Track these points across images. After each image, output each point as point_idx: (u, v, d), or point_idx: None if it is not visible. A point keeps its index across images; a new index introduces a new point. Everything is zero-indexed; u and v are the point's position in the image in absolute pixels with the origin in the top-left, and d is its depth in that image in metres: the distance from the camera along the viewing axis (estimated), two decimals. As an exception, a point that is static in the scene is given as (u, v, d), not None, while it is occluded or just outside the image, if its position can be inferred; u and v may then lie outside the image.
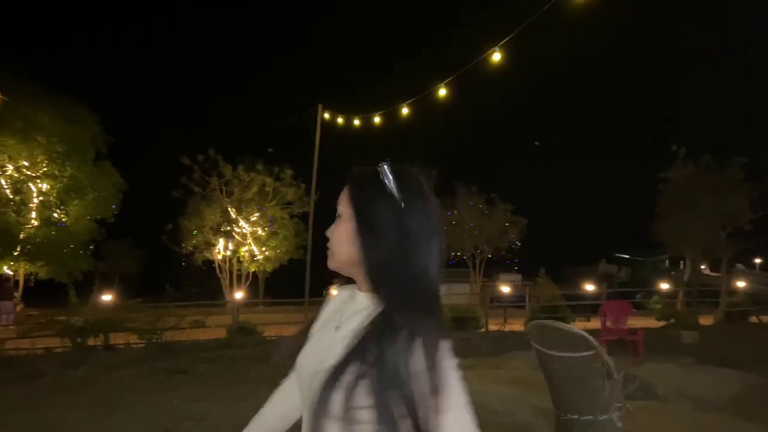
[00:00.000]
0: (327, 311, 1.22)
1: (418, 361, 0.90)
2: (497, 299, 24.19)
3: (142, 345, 12.25)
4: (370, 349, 0.92)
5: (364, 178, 1.08)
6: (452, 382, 0.91)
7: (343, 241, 1.08)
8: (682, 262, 44.52)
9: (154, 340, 12.24)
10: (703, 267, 32.90)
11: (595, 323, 16.44)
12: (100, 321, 12.13)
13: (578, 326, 15.21)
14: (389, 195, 1.02)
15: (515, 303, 24.89)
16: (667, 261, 43.82)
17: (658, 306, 23.96)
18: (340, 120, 12.32)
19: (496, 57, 9.65)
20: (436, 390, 0.89)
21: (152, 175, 31.22)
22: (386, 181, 1.03)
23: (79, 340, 11.89)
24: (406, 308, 0.95)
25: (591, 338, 4.13)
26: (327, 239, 1.12)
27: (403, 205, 1.02)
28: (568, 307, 16.37)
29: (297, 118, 14.52)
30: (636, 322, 16.92)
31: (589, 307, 18.26)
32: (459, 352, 0.92)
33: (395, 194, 1.02)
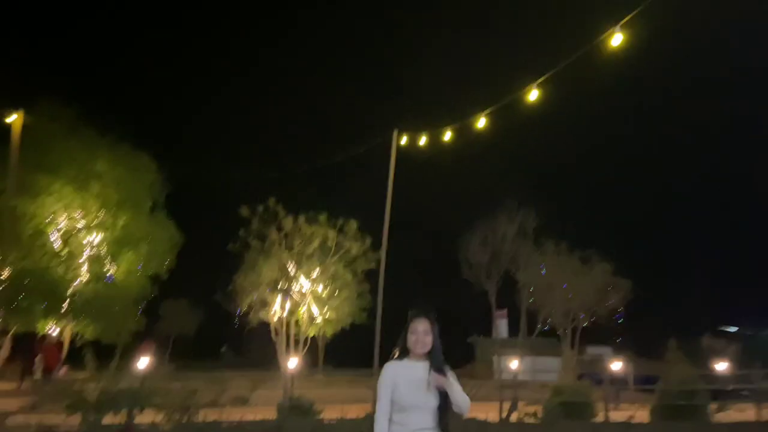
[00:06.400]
0: (394, 373, 3.21)
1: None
2: (591, 376, 20.38)
3: (169, 427, 9.68)
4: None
5: (434, 314, 3.28)
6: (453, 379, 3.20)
7: (429, 342, 3.23)
8: (797, 336, 38.71)
9: (184, 421, 9.64)
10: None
11: (741, 414, 12.75)
12: (120, 394, 9.68)
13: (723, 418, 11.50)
14: (435, 322, 3.28)
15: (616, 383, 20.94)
16: (782, 335, 38.18)
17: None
18: (423, 140, 9.94)
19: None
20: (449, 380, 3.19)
21: (209, 229, 29.64)
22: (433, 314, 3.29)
23: (92, 418, 9.45)
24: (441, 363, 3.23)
25: None
26: (422, 336, 3.24)
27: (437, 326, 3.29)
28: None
29: (366, 149, 12.22)
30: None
31: (731, 393, 14.42)
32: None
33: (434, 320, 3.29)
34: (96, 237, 21.47)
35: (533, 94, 8.02)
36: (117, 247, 21.86)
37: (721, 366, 16.62)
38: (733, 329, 38.08)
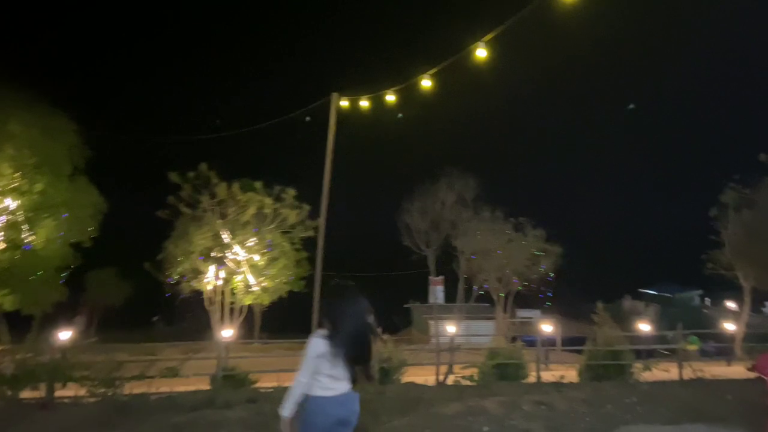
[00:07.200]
0: None
1: None
2: (523, 338, 21.13)
3: (93, 401, 9.20)
4: None
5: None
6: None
7: None
8: (707, 299, 41.52)
9: (110, 394, 9.19)
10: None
11: (665, 373, 13.44)
12: (39, 367, 9.11)
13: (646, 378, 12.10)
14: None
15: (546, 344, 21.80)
16: (696, 297, 40.87)
17: (695, 347, 20.91)
18: (364, 103, 9.63)
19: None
20: None
21: (136, 195, 28.29)
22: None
23: (9, 393, 8.86)
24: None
25: None
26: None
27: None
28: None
29: (303, 112, 11.78)
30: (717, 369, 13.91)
31: (652, 353, 15.22)
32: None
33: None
34: (11, 202, 20.04)
35: (480, 52, 7.81)
36: (35, 213, 20.49)
37: (644, 327, 17.52)
38: (652, 291, 40.41)
